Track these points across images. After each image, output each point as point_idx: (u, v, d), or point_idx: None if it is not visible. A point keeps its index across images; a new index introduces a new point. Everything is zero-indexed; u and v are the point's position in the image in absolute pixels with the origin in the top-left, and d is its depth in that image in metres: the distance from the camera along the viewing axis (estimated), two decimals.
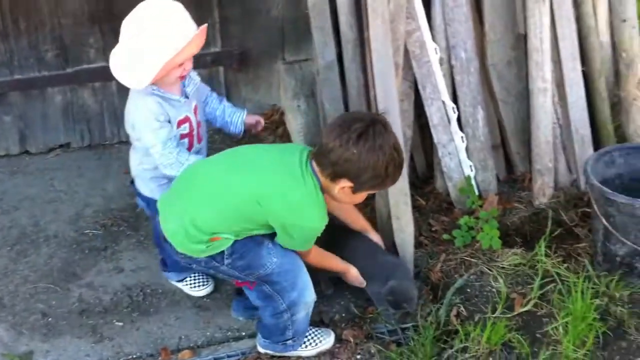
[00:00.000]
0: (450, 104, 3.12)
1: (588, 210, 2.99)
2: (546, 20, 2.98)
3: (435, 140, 3.16)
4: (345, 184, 2.31)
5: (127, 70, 2.48)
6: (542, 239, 2.83)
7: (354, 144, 2.23)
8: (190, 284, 2.94)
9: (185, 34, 2.46)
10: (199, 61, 3.72)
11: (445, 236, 3.04)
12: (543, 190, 3.14)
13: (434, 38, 3.08)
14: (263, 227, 2.40)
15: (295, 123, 3.64)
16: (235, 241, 2.38)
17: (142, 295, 2.96)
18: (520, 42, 3.19)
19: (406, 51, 3.06)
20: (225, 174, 2.40)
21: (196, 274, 2.93)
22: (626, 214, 2.52)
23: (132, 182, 2.82)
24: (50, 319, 2.85)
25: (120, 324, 2.82)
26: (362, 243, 2.81)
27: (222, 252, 2.39)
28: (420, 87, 3.11)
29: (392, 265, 2.76)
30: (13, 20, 3.47)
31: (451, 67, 3.13)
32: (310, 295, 2.51)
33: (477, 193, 3.17)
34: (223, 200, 2.35)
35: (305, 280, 2.50)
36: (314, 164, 2.34)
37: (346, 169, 2.27)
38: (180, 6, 2.50)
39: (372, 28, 2.86)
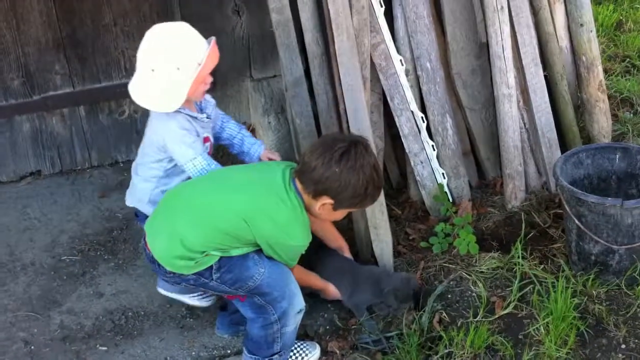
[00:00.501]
0: (418, 114, 3.18)
1: (560, 211, 3.07)
2: (506, 28, 3.06)
3: (407, 149, 3.21)
4: (326, 201, 2.36)
5: (152, 96, 2.53)
6: (517, 241, 2.89)
7: (336, 162, 2.30)
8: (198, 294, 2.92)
9: (203, 47, 2.52)
10: None
11: (422, 244, 3.09)
12: (515, 194, 3.21)
13: (398, 50, 3.14)
14: (250, 245, 2.43)
15: (266, 140, 3.66)
16: (222, 256, 2.41)
17: (124, 318, 2.95)
18: (483, 51, 3.26)
19: (372, 64, 3.11)
20: (210, 195, 2.43)
21: None
22: (597, 213, 2.59)
23: (137, 214, 2.80)
24: (32, 347, 2.83)
25: (104, 348, 2.81)
26: (339, 259, 2.88)
27: (210, 267, 2.40)
28: (388, 98, 3.16)
29: (373, 274, 2.83)
30: None
31: (417, 77, 3.19)
32: (299, 304, 2.54)
33: (450, 200, 3.23)
34: (210, 221, 2.37)
35: (294, 289, 2.53)
36: (296, 182, 2.38)
37: (327, 187, 2.33)
38: (186, 24, 2.55)
39: (337, 43, 2.92)
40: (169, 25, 2.54)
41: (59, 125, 3.71)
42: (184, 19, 3.62)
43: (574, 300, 2.59)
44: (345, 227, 3.14)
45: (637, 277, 2.72)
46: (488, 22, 3.07)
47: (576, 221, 2.64)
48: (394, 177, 3.48)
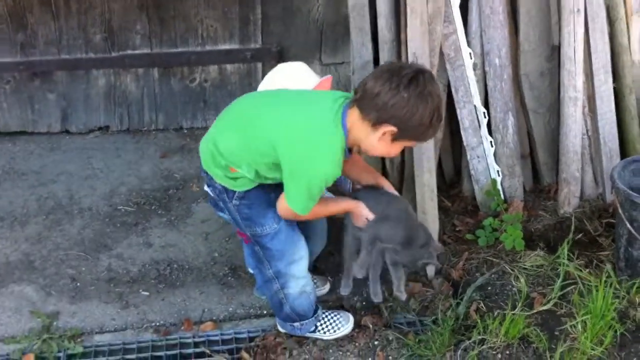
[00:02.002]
0: (481, 109, 3.19)
1: (612, 221, 3.03)
2: (580, 30, 3.04)
3: (465, 142, 3.22)
4: (388, 129, 2.23)
5: None
6: (565, 242, 2.86)
7: (404, 88, 2.18)
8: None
9: (312, 80, 2.66)
10: (239, 56, 3.86)
11: (468, 236, 3.09)
12: (568, 199, 3.18)
13: (469, 44, 3.16)
14: (277, 168, 2.32)
15: None
16: (252, 190, 2.39)
17: (169, 269, 3.04)
18: (554, 54, 3.26)
19: (441, 54, 3.14)
20: (259, 107, 2.38)
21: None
22: None
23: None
24: (78, 284, 2.94)
25: (146, 293, 2.90)
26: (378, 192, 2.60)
27: (235, 192, 2.41)
28: (453, 89, 3.18)
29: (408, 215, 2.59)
30: (65, 1, 3.59)
31: (484, 72, 3.20)
32: (299, 271, 2.52)
33: (502, 198, 3.22)
34: (245, 129, 2.34)
35: (296, 257, 2.51)
36: (350, 111, 2.28)
37: (392, 114, 2.21)
38: (304, 65, 2.77)
39: (410, 27, 2.96)
40: (288, 63, 2.79)
41: (132, 85, 3.86)
42: None
43: (614, 302, 2.55)
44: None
45: None
46: (563, 24, 3.06)
47: (628, 225, 2.61)
48: (448, 172, 3.49)
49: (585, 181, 3.25)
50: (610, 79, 3.18)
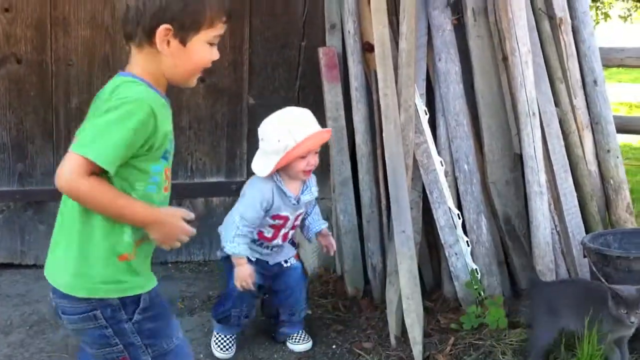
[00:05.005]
0: (455, 211, 3.40)
1: None
2: (538, 133, 3.35)
3: (443, 240, 3.38)
4: (162, 28, 1.82)
5: (255, 159, 2.92)
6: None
7: None
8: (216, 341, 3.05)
9: (308, 130, 2.83)
10: (224, 189, 4.09)
11: (453, 325, 3.14)
12: None
13: (439, 153, 3.45)
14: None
15: (308, 247, 3.85)
16: (153, 291, 1.97)
17: None
18: (518, 164, 3.54)
19: (415, 161, 3.41)
20: None
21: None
22: (623, 271, 2.68)
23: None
24: None
25: None
26: None
27: (138, 301, 1.93)
28: (427, 192, 3.41)
29: None
30: (66, 133, 3.85)
31: (455, 178, 3.46)
32: None
33: (482, 293, 3.31)
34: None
35: None
36: (131, 65, 1.89)
37: (152, 13, 1.82)
38: (309, 111, 2.92)
39: (385, 131, 3.28)
40: (292, 107, 2.97)
41: None
42: (249, 131, 4.06)
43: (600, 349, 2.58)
44: (379, 301, 3.23)
45: None
46: (521, 127, 3.36)
47: (603, 282, 2.71)
48: (428, 282, 3.59)
49: (560, 275, 3.37)
50: (570, 178, 3.45)
